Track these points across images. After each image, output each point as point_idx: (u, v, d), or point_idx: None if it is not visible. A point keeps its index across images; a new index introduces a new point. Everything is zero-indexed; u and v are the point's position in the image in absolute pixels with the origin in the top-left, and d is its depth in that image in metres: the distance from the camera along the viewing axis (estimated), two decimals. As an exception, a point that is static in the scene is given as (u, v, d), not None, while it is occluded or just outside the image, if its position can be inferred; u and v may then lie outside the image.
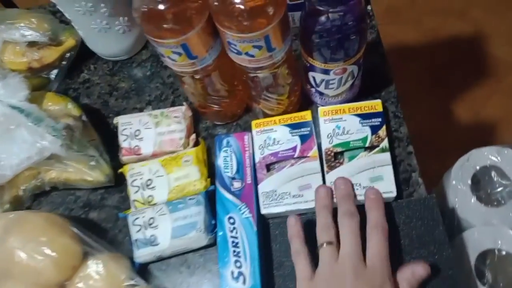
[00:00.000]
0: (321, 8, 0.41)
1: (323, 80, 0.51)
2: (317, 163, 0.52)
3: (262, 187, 0.53)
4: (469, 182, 0.57)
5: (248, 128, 0.58)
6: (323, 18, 0.43)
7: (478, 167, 0.58)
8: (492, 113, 1.30)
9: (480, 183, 0.60)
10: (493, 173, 0.60)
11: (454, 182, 0.57)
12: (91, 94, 0.66)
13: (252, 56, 0.44)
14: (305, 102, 0.59)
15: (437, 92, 1.35)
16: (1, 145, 0.54)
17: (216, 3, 0.41)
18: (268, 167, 0.54)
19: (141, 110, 0.64)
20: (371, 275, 0.42)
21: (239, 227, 0.51)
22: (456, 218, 0.57)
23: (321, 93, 0.54)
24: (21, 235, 0.50)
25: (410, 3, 1.49)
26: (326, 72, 0.49)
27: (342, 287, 0.42)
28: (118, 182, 0.59)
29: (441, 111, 1.32)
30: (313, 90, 0.54)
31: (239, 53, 0.44)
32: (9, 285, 0.51)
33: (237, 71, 0.49)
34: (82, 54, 0.67)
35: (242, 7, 0.40)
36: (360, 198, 0.49)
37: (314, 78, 0.51)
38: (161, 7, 0.41)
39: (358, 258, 0.43)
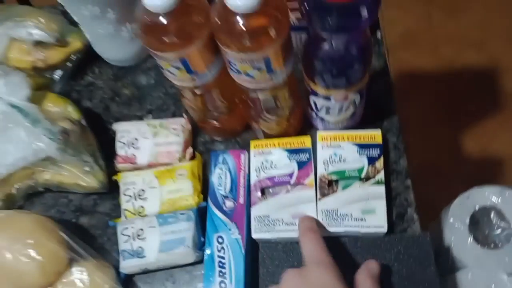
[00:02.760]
0: (324, 35, 0.40)
1: (324, 105, 0.50)
2: (312, 192, 0.51)
3: (256, 211, 0.52)
4: (467, 221, 0.56)
5: (246, 146, 0.57)
6: (326, 45, 0.42)
7: (477, 207, 0.56)
8: (500, 149, 1.27)
9: (478, 223, 0.58)
10: (492, 214, 0.58)
11: (451, 220, 0.56)
12: (93, 97, 0.66)
13: (252, 77, 0.44)
14: (306, 124, 0.58)
15: (446, 123, 1.33)
16: (-2, 143, 0.54)
17: (217, 20, 0.41)
18: (263, 191, 0.53)
19: (141, 118, 0.63)
20: (307, 282, 0.42)
21: (227, 247, 0.50)
22: (450, 257, 0.55)
23: (322, 118, 0.53)
24: (8, 235, 0.50)
25: (427, 30, 1.47)
26: (327, 98, 0.48)
27: None
28: (112, 189, 0.59)
29: (447, 142, 1.30)
30: (314, 114, 0.53)
31: (238, 72, 0.44)
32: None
33: (238, 89, 0.49)
34: (88, 57, 0.67)
35: (243, 27, 0.39)
36: (349, 229, 0.48)
37: (315, 103, 0.50)
38: (162, 20, 0.41)
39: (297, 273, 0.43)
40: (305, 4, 0.39)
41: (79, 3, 0.56)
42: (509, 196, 0.56)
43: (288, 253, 0.51)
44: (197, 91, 0.50)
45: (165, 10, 0.40)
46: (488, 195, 0.56)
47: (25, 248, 0.49)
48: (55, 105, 0.59)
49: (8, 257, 0.48)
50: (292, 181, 0.52)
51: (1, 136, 0.54)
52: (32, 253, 0.48)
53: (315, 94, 0.49)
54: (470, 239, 0.54)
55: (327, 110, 0.50)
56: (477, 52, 1.43)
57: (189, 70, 0.45)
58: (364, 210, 0.48)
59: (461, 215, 0.56)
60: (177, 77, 0.46)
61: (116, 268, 0.53)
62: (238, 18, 0.39)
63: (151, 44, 0.43)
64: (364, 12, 0.37)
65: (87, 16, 0.58)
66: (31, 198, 0.60)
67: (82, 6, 0.56)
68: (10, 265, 0.48)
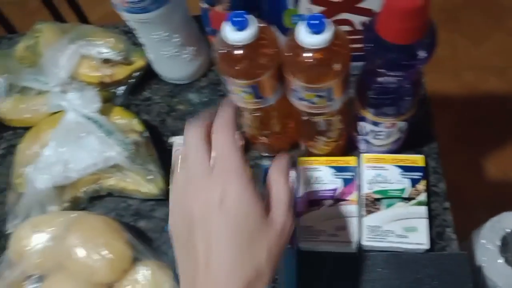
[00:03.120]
0: (382, 71, 0.45)
1: (372, 130, 0.55)
2: (355, 208, 0.56)
3: (302, 221, 0.56)
4: (498, 243, 0.60)
5: (293, 163, 0.62)
6: (381, 79, 0.47)
7: (508, 230, 0.61)
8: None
9: (508, 245, 0.62)
10: (521, 237, 0.62)
11: (483, 241, 0.60)
12: (150, 111, 0.72)
13: (313, 103, 0.49)
14: (350, 145, 0.62)
15: (469, 146, 1.36)
16: (72, 150, 0.60)
17: (288, 54, 0.46)
18: (309, 203, 0.58)
19: (195, 132, 0.69)
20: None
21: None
22: (482, 276, 0.59)
23: (367, 141, 0.58)
24: (80, 234, 0.55)
25: (451, 55, 1.52)
26: (376, 124, 0.53)
27: None
28: (167, 196, 0.64)
29: (472, 166, 1.34)
30: (360, 137, 0.58)
31: (301, 99, 0.49)
32: (59, 278, 0.55)
33: (294, 112, 0.54)
34: (147, 74, 0.73)
35: (312, 61, 0.45)
36: (392, 244, 0.53)
37: (363, 127, 0.55)
38: (237, 52, 0.46)
39: None
40: (368, 43, 0.44)
41: (150, 28, 0.62)
42: (537, 222, 0.60)
43: (326, 264, 0.55)
44: (257, 113, 0.55)
45: (244, 43, 0.45)
46: (517, 220, 0.61)
47: (97, 246, 0.54)
48: (121, 117, 0.65)
49: (81, 254, 0.53)
50: (337, 196, 0.57)
51: (75, 144, 0.60)
52: (103, 251, 0.54)
53: (365, 120, 0.54)
54: (502, 261, 0.58)
55: (374, 135, 0.55)
56: (499, 79, 1.47)
57: (257, 95, 0.50)
58: (406, 228, 0.53)
59: (492, 237, 0.60)
60: (244, 100, 0.52)
61: (172, 269, 0.58)
62: (308, 53, 0.44)
63: (226, 71, 0.48)
64: (422, 53, 0.42)
65: (154, 39, 0.64)
66: (93, 201, 0.66)
67: (152, 32, 0.62)
68: (83, 262, 0.53)
